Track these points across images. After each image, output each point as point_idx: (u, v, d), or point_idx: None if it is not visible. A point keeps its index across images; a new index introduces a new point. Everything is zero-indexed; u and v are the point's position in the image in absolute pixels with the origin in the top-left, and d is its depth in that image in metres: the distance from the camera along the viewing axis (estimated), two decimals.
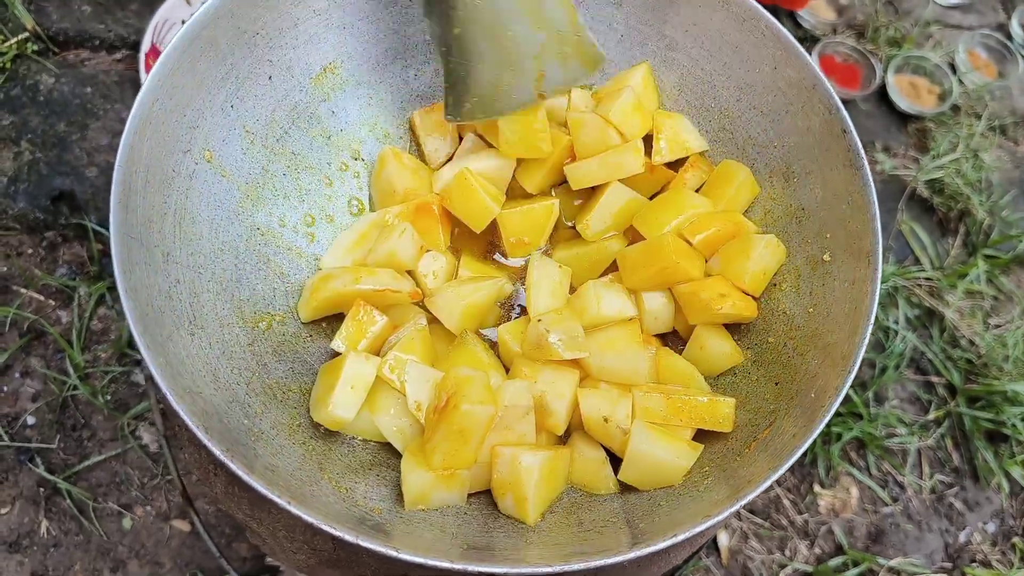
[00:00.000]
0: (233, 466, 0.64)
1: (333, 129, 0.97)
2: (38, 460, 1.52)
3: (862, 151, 0.83)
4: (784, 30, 0.90)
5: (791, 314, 0.87)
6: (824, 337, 0.81)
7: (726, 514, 0.68)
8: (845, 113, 0.85)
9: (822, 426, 0.72)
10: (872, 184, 0.82)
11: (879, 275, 0.77)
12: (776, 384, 0.83)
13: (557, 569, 0.66)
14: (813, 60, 2.03)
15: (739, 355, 0.89)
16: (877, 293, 0.77)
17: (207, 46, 0.83)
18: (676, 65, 0.98)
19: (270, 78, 0.90)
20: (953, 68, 2.24)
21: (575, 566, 0.66)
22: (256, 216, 0.89)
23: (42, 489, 1.51)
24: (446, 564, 0.63)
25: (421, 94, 1.01)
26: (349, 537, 0.63)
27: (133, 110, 0.75)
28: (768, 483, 0.70)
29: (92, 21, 1.80)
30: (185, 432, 0.85)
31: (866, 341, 0.74)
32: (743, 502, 0.69)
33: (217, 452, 0.64)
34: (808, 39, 2.20)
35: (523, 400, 0.84)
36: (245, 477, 0.63)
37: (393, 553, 0.63)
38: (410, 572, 0.79)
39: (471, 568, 0.63)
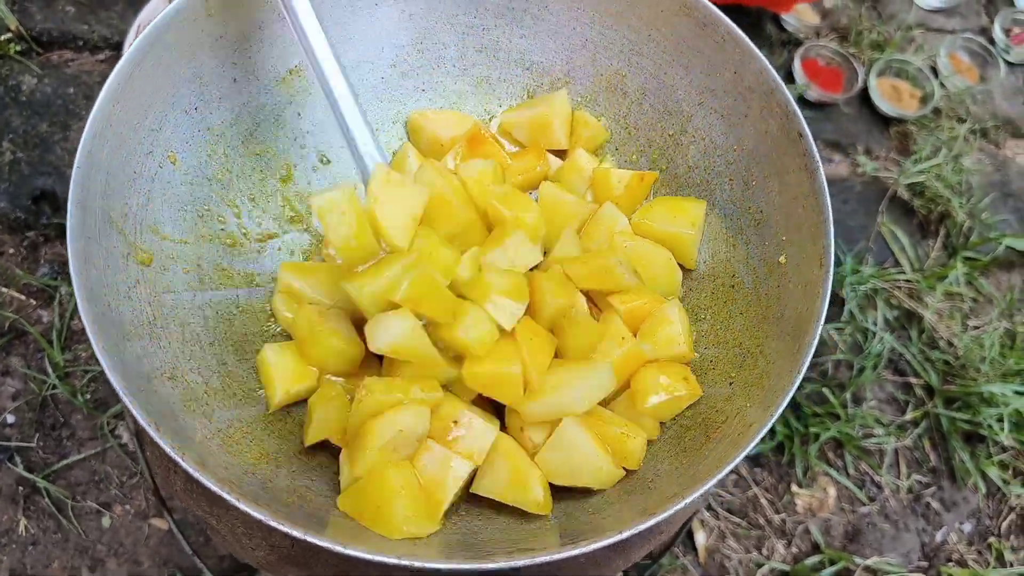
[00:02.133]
0: (184, 463, 0.65)
1: (299, 131, 0.97)
2: (17, 459, 1.53)
3: (817, 155, 0.84)
4: (743, 35, 0.91)
5: (747, 315, 0.89)
6: (777, 339, 0.82)
7: (672, 510, 0.69)
8: (801, 117, 0.86)
9: (771, 423, 0.73)
10: (826, 188, 0.83)
11: (830, 277, 0.79)
12: (730, 384, 0.84)
13: (514, 563, 0.67)
14: (796, 63, 2.05)
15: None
16: (828, 295, 0.78)
17: (170, 48, 0.84)
18: (640, 70, 0.99)
19: (235, 80, 0.91)
20: (935, 72, 2.25)
21: (541, 558, 0.67)
22: (221, 217, 0.90)
23: (21, 488, 1.52)
24: (392, 560, 0.64)
25: (388, 98, 1.02)
26: (297, 533, 0.64)
27: (92, 112, 0.76)
28: (718, 478, 0.71)
29: (75, 22, 1.81)
30: (147, 434, 0.86)
31: (815, 343, 0.75)
32: (694, 496, 0.70)
33: (169, 450, 0.65)
34: (791, 42, 2.21)
35: (420, 428, 0.82)
36: (195, 474, 0.64)
37: (340, 548, 0.64)
38: (369, 571, 0.80)
39: (417, 564, 0.64)
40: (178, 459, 0.65)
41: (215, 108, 0.90)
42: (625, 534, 0.67)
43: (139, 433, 1.03)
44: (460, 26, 1.00)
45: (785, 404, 0.73)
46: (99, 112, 0.77)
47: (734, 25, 0.91)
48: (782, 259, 0.87)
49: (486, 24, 1.01)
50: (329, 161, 1.00)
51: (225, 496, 0.64)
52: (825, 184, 0.83)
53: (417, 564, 0.64)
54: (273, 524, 0.63)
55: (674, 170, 0.99)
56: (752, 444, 0.72)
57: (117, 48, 1.80)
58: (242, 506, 0.64)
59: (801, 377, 0.75)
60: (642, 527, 0.67)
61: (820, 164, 0.84)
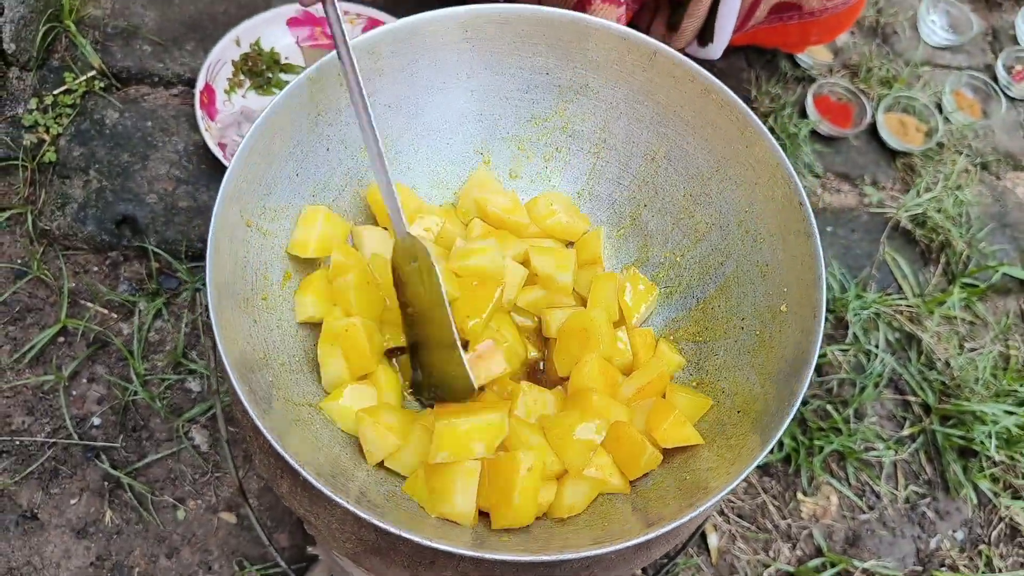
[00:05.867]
0: (305, 473, 0.82)
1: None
2: (103, 457, 1.71)
3: (814, 221, 1.01)
4: (754, 116, 1.07)
5: (754, 354, 1.05)
6: (777, 375, 0.99)
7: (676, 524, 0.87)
8: (801, 188, 1.03)
9: (767, 450, 0.90)
10: (820, 249, 1.00)
11: (821, 327, 0.95)
12: (738, 412, 1.01)
13: (559, 557, 0.84)
14: (809, 99, 2.21)
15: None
16: (819, 342, 0.94)
17: (279, 128, 1.01)
18: (665, 139, 1.16)
19: (327, 150, 1.09)
20: (940, 107, 2.40)
21: (586, 553, 0.84)
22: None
23: (106, 483, 1.70)
24: (465, 552, 0.82)
25: (451, 160, 1.20)
26: (392, 529, 0.81)
27: (222, 187, 0.93)
28: (693, 514, 0.87)
29: (152, 60, 1.99)
30: (255, 439, 1.04)
31: (807, 380, 0.92)
32: (659, 531, 0.87)
33: (292, 462, 0.82)
34: (805, 79, 2.37)
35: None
36: (314, 482, 0.82)
37: (424, 542, 0.81)
38: (436, 559, 0.98)
39: (486, 556, 0.82)
40: (299, 469, 0.82)
41: (311, 173, 1.07)
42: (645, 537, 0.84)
43: (228, 439, 1.21)
44: (514, 100, 1.17)
45: (781, 432, 0.90)
46: (226, 186, 0.94)
47: (746, 107, 1.08)
48: (783, 307, 1.04)
49: (535, 98, 1.18)
50: None
51: (339, 501, 0.81)
52: (820, 247, 1.00)
53: (447, 549, 0.82)
54: (377, 523, 0.81)
55: (694, 225, 1.16)
56: (749, 468, 0.89)
57: (190, 84, 1.98)
58: (352, 508, 0.81)
59: (795, 410, 0.91)
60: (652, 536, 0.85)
61: (816, 229, 1.00)
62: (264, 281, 1.00)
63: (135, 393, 1.75)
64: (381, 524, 0.82)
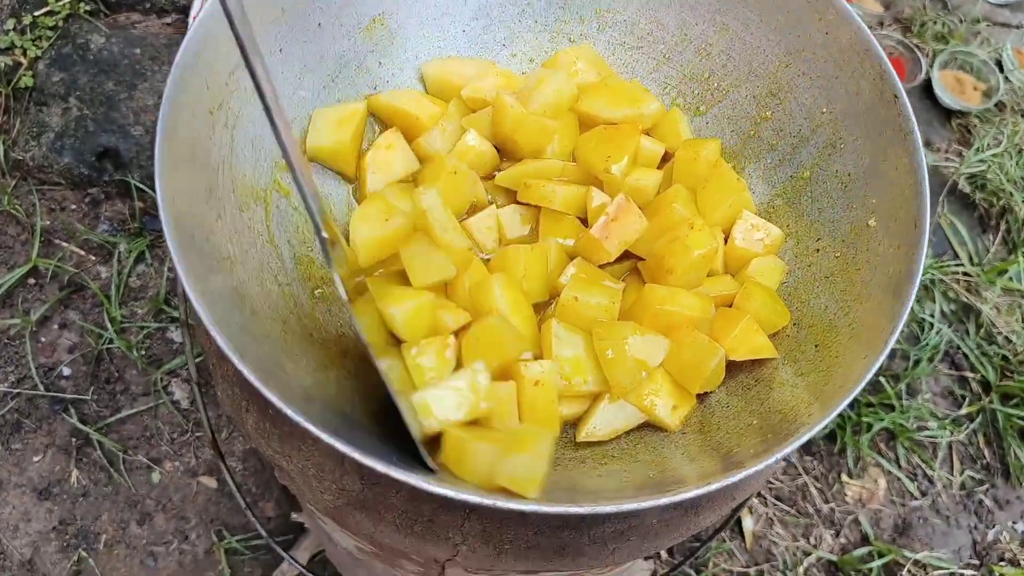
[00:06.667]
0: (267, 392, 0.64)
1: (380, 80, 0.97)
2: (72, 411, 1.54)
3: (912, 116, 0.82)
4: None
5: (833, 279, 0.87)
6: (866, 300, 0.80)
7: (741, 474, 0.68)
8: (897, 78, 0.84)
9: (856, 392, 0.71)
10: (921, 148, 0.81)
11: (926, 239, 0.77)
12: (816, 347, 0.82)
13: (579, 509, 0.66)
14: None
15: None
16: (923, 258, 0.76)
17: None
18: (726, 29, 0.97)
19: (319, 25, 0.90)
20: (1000, 65, 2.21)
21: (634, 505, 0.66)
22: None
23: (74, 439, 1.53)
24: (475, 499, 0.63)
25: (462, 49, 1.01)
26: (380, 467, 0.63)
27: (183, 46, 0.75)
28: (780, 454, 0.69)
29: None
30: (219, 367, 0.86)
31: (911, 301, 0.74)
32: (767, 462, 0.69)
33: (253, 379, 0.64)
34: None
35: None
36: (281, 405, 0.63)
37: (424, 486, 0.63)
38: (436, 516, 0.79)
39: (500, 504, 0.63)
40: (261, 387, 0.64)
41: (299, 51, 0.89)
42: (713, 487, 0.66)
43: (202, 388, 1.03)
44: None
45: (872, 372, 0.71)
46: (189, 45, 0.76)
47: None
48: (871, 222, 0.85)
49: None
50: None
51: (308, 426, 0.63)
52: (920, 144, 0.81)
53: (502, 504, 0.63)
54: (356, 457, 0.62)
55: (760, 133, 0.98)
56: (835, 412, 0.71)
57: (184, 12, 1.81)
58: (325, 437, 0.63)
59: (893, 342, 0.73)
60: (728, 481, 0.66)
61: (915, 124, 0.82)
62: (232, 171, 0.81)
63: (110, 341, 1.58)
64: (365, 460, 0.63)
